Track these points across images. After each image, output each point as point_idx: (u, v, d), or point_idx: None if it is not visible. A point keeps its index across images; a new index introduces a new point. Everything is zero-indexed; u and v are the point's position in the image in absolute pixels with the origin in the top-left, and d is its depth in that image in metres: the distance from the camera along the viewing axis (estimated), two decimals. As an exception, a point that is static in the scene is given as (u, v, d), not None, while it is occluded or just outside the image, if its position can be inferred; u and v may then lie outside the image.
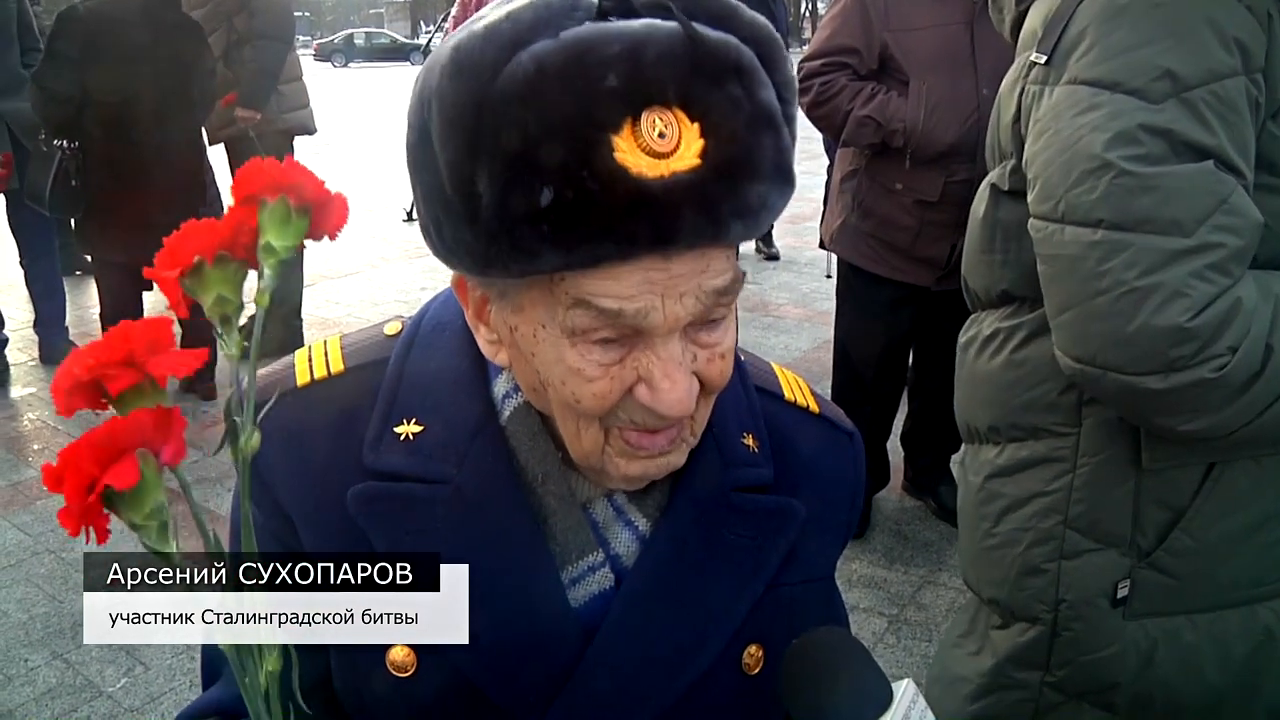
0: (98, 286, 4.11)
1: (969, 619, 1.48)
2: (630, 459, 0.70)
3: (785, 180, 0.62)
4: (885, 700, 0.65)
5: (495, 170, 0.58)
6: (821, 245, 3.22)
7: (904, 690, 0.66)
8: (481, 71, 0.57)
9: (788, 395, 0.88)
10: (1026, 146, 1.19)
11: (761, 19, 0.63)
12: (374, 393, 0.77)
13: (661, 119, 0.57)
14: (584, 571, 0.76)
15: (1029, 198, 1.17)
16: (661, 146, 0.57)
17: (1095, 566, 1.25)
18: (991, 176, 1.32)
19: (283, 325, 4.90)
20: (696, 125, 0.58)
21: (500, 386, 0.76)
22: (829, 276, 3.36)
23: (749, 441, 0.81)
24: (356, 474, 0.74)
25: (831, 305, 3.31)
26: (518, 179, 0.57)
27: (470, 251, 0.62)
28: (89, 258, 4.50)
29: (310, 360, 0.80)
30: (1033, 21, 1.24)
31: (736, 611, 0.79)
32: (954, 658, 1.47)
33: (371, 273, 6.59)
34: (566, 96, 0.56)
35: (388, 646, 0.74)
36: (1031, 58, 1.20)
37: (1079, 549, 1.26)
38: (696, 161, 0.58)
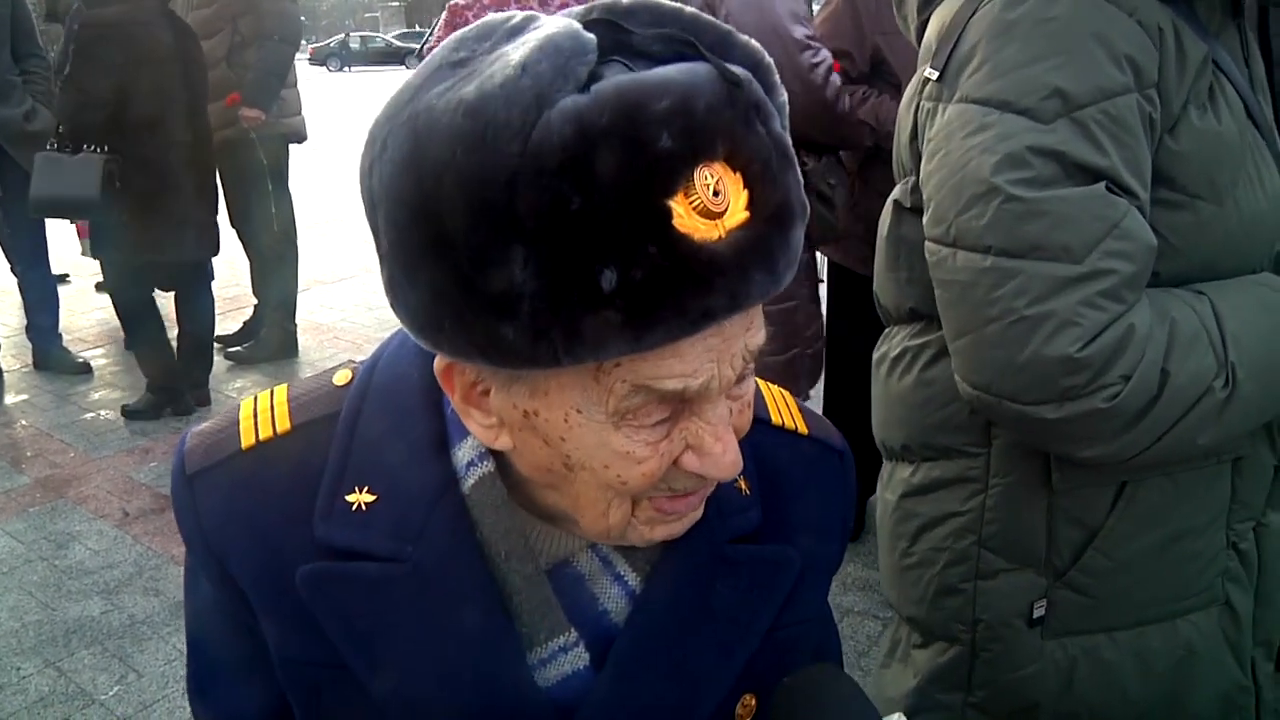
0: (112, 289, 4.14)
1: (891, 638, 1.45)
2: (656, 525, 0.66)
3: (807, 214, 0.58)
4: None
5: (539, 254, 0.50)
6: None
7: None
8: (509, 138, 0.49)
9: (775, 419, 0.83)
10: (922, 166, 1.16)
11: (755, 43, 0.58)
12: (324, 453, 0.70)
13: (712, 174, 0.51)
14: (554, 652, 0.70)
15: (924, 219, 1.14)
16: (717, 205, 0.51)
17: (1011, 586, 1.23)
18: (895, 192, 1.28)
19: (278, 330, 4.90)
20: (739, 175, 0.53)
21: (465, 452, 0.69)
22: (821, 281, 3.35)
23: (741, 485, 0.76)
24: (308, 547, 0.68)
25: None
26: (569, 262, 0.50)
27: (505, 350, 0.54)
28: (100, 261, 4.29)
29: (255, 417, 0.74)
30: (930, 33, 1.20)
31: (731, 669, 0.74)
32: (884, 679, 1.44)
33: (366, 277, 6.57)
34: (620, 164, 0.49)
35: None
36: (925, 73, 1.16)
37: (994, 569, 1.23)
38: (746, 215, 0.53)
